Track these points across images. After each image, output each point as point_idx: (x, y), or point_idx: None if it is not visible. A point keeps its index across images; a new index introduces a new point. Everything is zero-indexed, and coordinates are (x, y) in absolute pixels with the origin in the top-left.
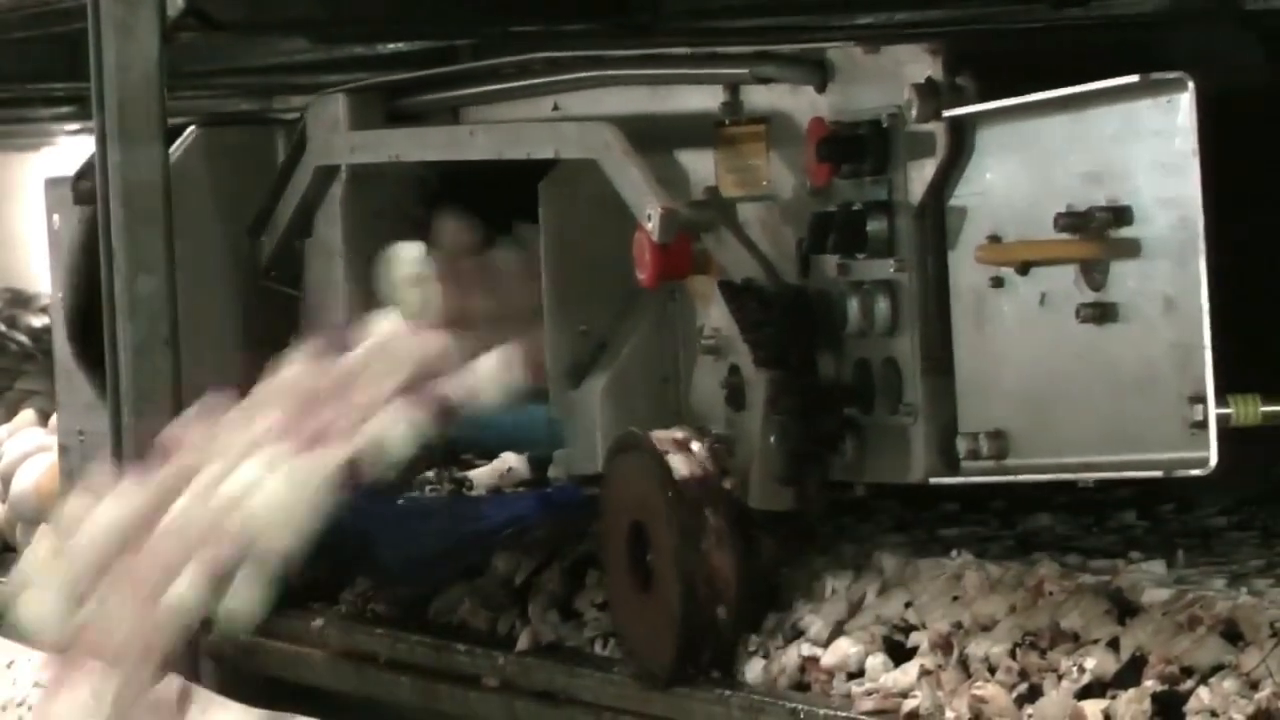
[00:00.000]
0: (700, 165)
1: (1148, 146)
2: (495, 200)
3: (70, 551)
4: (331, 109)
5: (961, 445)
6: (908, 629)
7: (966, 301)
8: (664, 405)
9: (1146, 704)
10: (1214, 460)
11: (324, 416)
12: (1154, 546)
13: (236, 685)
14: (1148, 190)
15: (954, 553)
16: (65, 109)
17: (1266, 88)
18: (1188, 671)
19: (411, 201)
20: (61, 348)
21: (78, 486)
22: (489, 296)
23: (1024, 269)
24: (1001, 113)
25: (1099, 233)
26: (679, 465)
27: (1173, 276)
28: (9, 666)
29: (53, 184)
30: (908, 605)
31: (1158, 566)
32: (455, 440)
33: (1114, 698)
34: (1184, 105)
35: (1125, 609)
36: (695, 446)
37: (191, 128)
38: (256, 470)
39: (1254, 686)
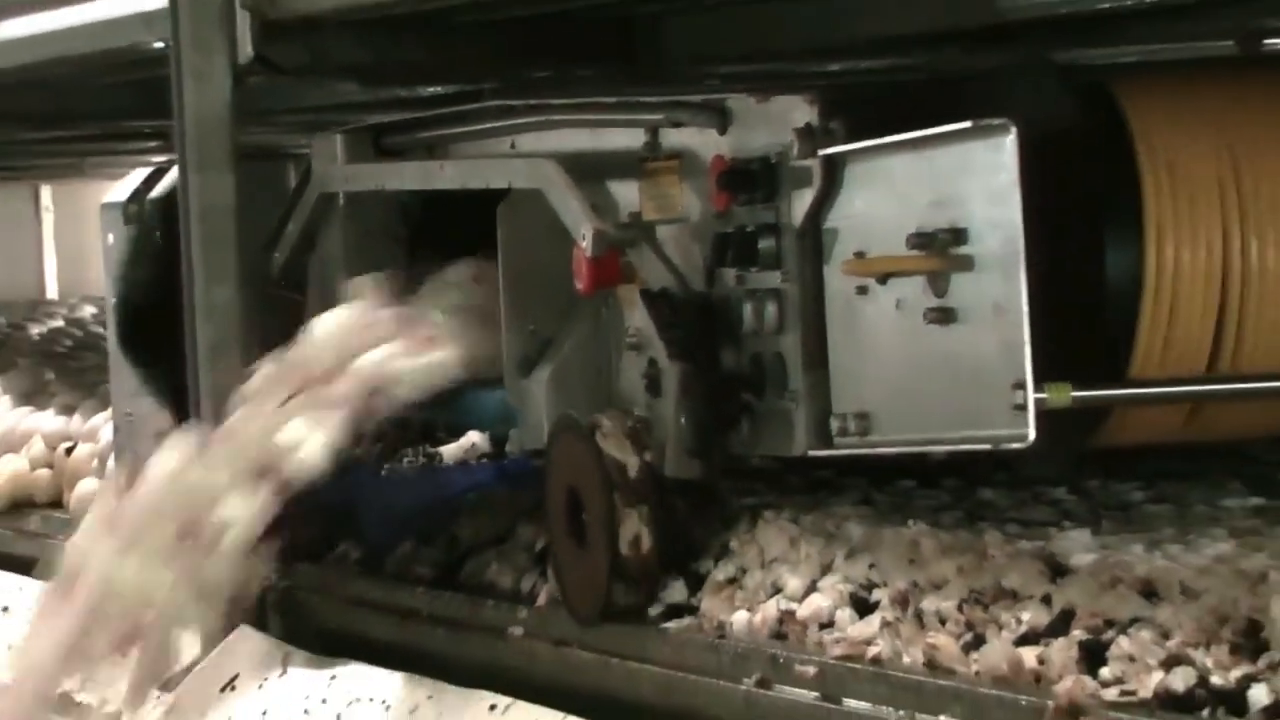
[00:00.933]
0: (626, 194)
1: (979, 179)
2: (467, 219)
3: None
4: (331, 146)
5: (834, 424)
6: (871, 587)
7: (838, 306)
8: (597, 392)
9: (1074, 651)
10: (1031, 436)
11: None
12: (1082, 517)
13: (299, 636)
14: (979, 215)
15: (911, 523)
16: (151, 143)
17: (1074, 129)
18: (1110, 623)
19: (396, 222)
20: (113, 345)
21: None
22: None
23: (883, 279)
24: (864, 151)
25: (941, 250)
26: (606, 442)
27: (999, 286)
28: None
29: (106, 208)
30: (871, 567)
31: (1084, 534)
32: (430, 421)
33: (1047, 645)
34: (1008, 146)
35: (1056, 570)
36: (621, 426)
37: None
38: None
39: (1166, 636)
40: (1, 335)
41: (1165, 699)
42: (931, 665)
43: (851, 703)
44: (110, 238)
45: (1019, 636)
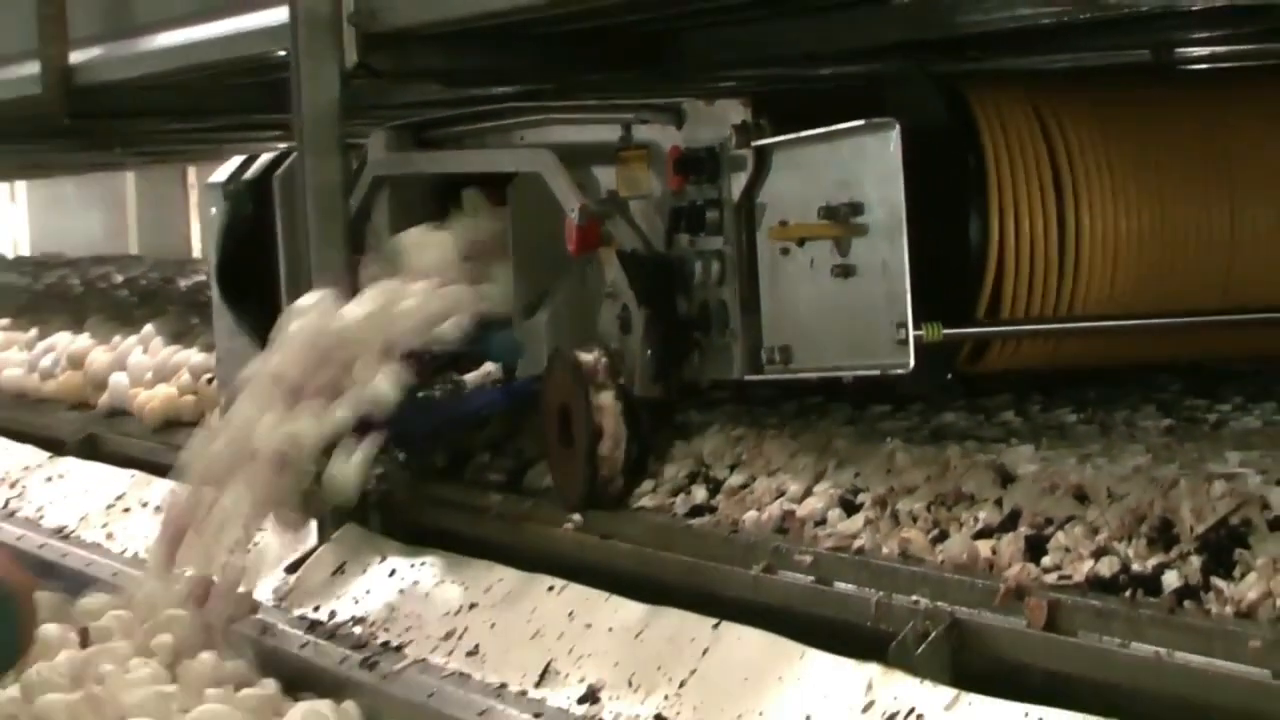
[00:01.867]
0: (605, 177)
1: (872, 165)
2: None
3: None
4: (380, 138)
5: (763, 356)
6: (856, 492)
7: (766, 264)
8: (583, 331)
9: (1020, 544)
10: (911, 363)
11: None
12: (1026, 435)
13: (393, 530)
14: (872, 193)
15: (888, 440)
16: (274, 133)
17: (945, 125)
18: (1049, 521)
19: (430, 199)
20: (215, 296)
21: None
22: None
23: (800, 243)
24: (786, 143)
25: (843, 220)
26: (588, 368)
27: (887, 248)
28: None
29: (209, 187)
30: (856, 475)
31: (1028, 449)
32: (456, 355)
33: (998, 539)
34: (894, 139)
35: (1005, 478)
36: (600, 356)
37: (296, 150)
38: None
39: (1095, 532)
40: (155, 287)
41: (1094, 582)
42: (905, 555)
43: (840, 585)
44: (212, 211)
45: (975, 532)
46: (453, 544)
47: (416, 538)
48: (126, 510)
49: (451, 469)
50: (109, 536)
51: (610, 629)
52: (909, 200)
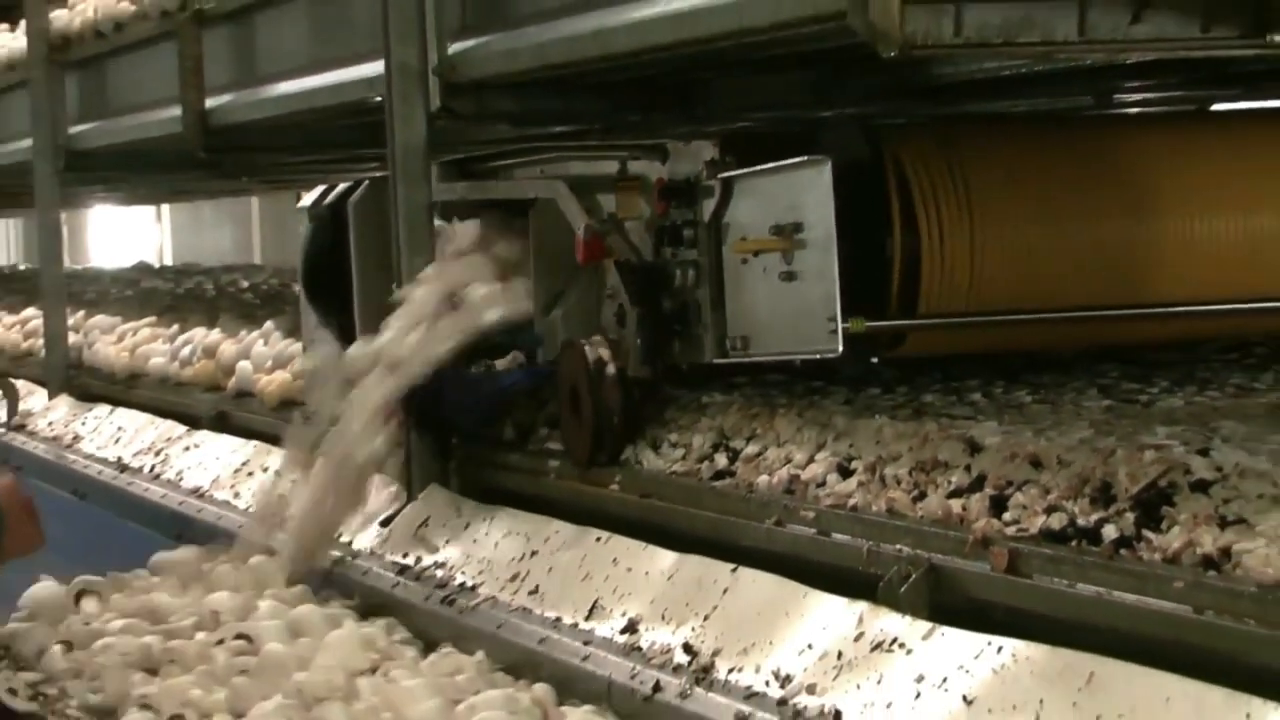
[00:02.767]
0: (607, 202)
1: (810, 193)
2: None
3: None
4: (435, 171)
5: (728, 344)
6: (850, 459)
7: (731, 271)
8: (589, 325)
9: (986, 502)
10: (840, 349)
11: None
12: (991, 413)
13: (469, 490)
14: (810, 215)
15: (877, 416)
16: (370, 165)
17: (868, 161)
18: (1010, 483)
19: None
20: (302, 297)
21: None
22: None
23: (756, 254)
24: (745, 175)
25: (789, 236)
26: (592, 353)
27: (822, 258)
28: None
29: (299, 210)
30: (850, 446)
31: (993, 424)
32: (490, 344)
33: (967, 498)
34: (826, 172)
35: (974, 448)
36: (601, 344)
37: (366, 180)
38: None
39: (1047, 492)
40: (274, 291)
41: (1047, 534)
42: (890, 512)
43: (837, 536)
44: (302, 229)
45: (949, 492)
46: (518, 502)
47: (488, 497)
48: (250, 474)
49: (518, 440)
50: (235, 496)
51: (647, 573)
52: (838, 220)
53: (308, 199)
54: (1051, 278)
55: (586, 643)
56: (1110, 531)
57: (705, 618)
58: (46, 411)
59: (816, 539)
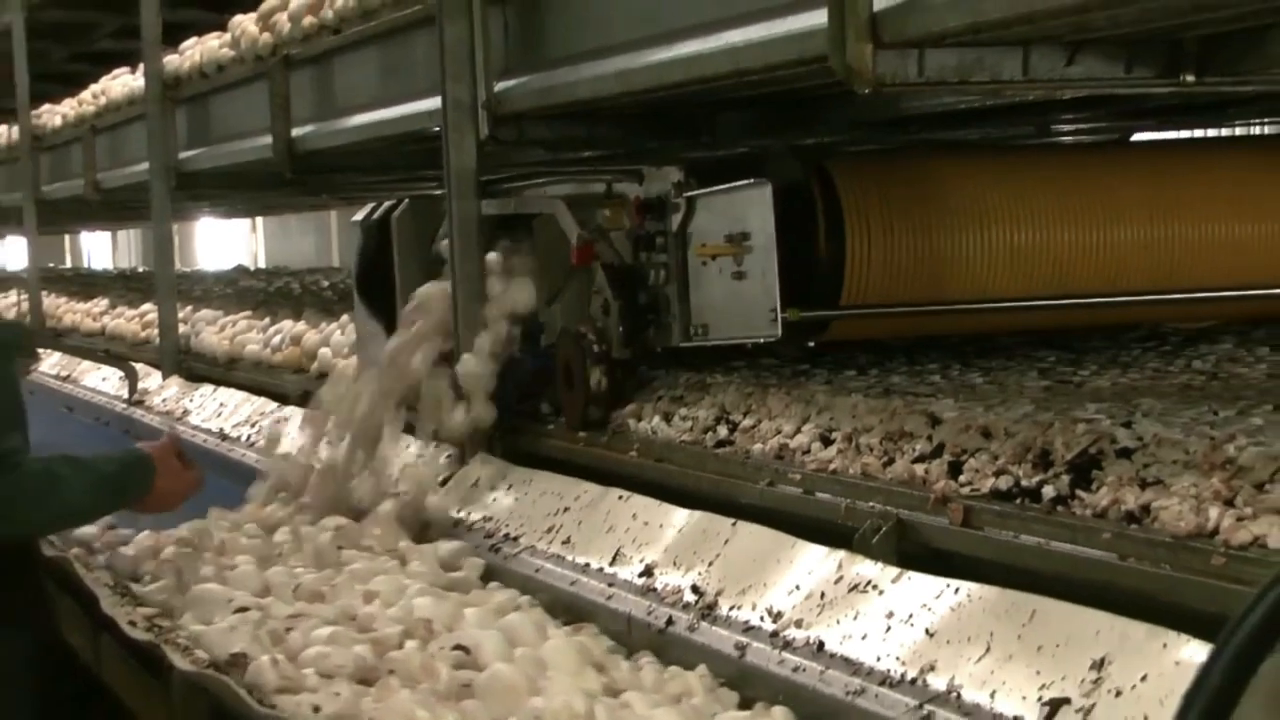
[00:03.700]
0: (597, 215)
1: (755, 209)
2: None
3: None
4: None
5: (691, 330)
6: (831, 430)
7: (694, 271)
8: (581, 315)
9: (945, 467)
10: (779, 334)
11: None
12: (949, 391)
13: (512, 456)
14: (755, 226)
15: (853, 394)
16: (430, 184)
17: (801, 183)
18: (964, 451)
19: (490, 229)
20: (356, 295)
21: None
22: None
23: (714, 258)
24: (705, 194)
25: (739, 243)
26: (584, 338)
27: (765, 261)
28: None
29: (352, 224)
30: (831, 419)
31: (950, 401)
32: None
33: (929, 463)
34: (768, 192)
35: (934, 421)
36: (590, 330)
37: (406, 199)
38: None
39: (996, 459)
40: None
41: (996, 494)
42: (864, 474)
43: (820, 495)
44: (354, 239)
45: (913, 458)
46: (552, 466)
47: (528, 461)
48: (329, 443)
49: (555, 413)
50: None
51: (661, 525)
52: (777, 231)
53: (359, 215)
54: (951, 276)
55: (610, 584)
56: (1049, 491)
57: (710, 564)
58: (160, 390)
59: (802, 497)
